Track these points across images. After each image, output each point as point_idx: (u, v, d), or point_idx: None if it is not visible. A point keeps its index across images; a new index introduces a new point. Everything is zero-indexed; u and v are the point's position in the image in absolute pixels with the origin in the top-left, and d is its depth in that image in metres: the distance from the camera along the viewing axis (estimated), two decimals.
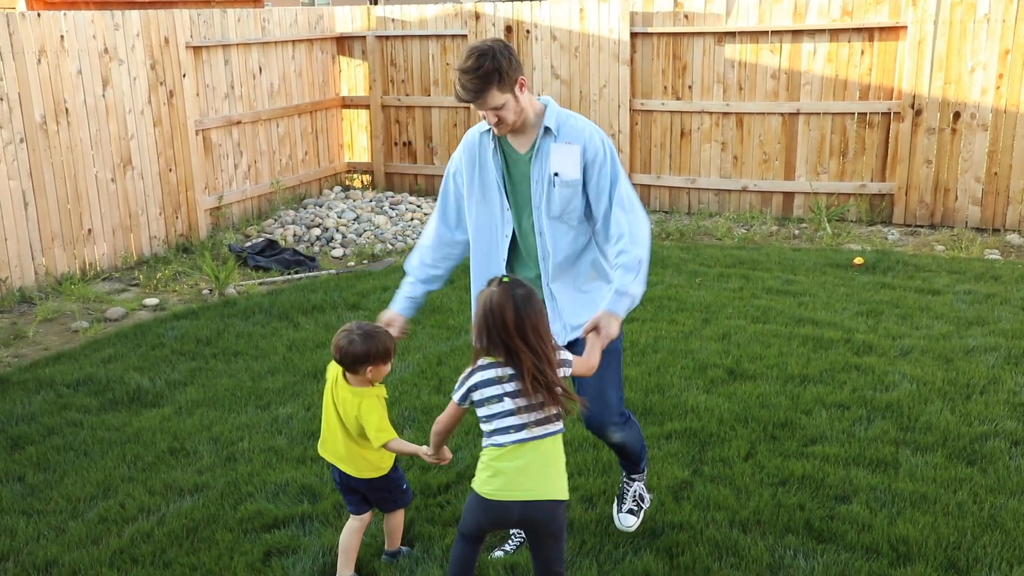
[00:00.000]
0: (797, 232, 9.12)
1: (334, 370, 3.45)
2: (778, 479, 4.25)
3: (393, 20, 10.93)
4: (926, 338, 5.99)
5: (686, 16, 9.64)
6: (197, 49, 9.04)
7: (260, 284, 7.81)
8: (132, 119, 8.39)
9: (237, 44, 9.55)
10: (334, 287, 7.47)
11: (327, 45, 11.08)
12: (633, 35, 9.83)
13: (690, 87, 9.81)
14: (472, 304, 3.41)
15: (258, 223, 9.68)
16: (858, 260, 7.76)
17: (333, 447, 3.48)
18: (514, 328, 2.83)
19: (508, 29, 10.34)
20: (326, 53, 11.07)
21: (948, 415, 4.85)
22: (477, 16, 10.49)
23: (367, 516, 3.58)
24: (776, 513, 3.96)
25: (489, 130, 3.46)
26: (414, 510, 4.01)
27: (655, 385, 5.31)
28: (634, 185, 9.45)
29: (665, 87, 9.91)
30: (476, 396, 2.93)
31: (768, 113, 9.53)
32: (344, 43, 11.24)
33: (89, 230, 8.07)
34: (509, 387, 2.88)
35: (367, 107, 11.26)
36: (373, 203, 10.17)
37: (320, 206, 10.07)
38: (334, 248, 8.99)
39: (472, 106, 3.28)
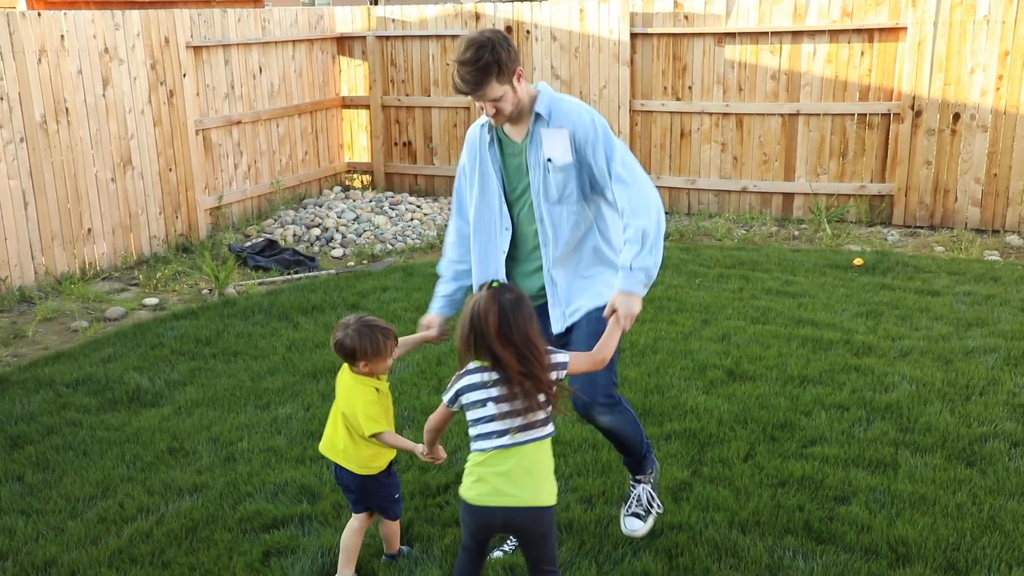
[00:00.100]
0: (797, 233, 9.12)
1: None
2: (777, 480, 4.25)
3: (393, 20, 10.93)
4: (926, 339, 5.99)
5: (686, 17, 9.64)
6: (197, 49, 9.04)
7: (260, 284, 7.81)
8: (132, 119, 8.39)
9: (237, 44, 9.55)
10: (334, 287, 7.47)
11: (327, 45, 11.09)
12: (633, 36, 9.83)
13: (690, 88, 9.81)
14: None
15: (258, 223, 9.68)
16: (858, 261, 7.76)
17: (332, 440, 3.48)
18: (496, 333, 2.81)
19: (508, 29, 10.34)
20: (326, 53, 11.07)
21: (947, 416, 4.85)
22: (477, 16, 10.49)
23: (367, 515, 3.58)
24: (775, 514, 3.96)
25: (487, 122, 3.47)
26: (413, 510, 4.01)
27: (654, 386, 5.31)
28: None
29: (665, 88, 9.91)
30: (464, 400, 2.94)
31: (768, 114, 9.53)
32: (344, 43, 11.25)
33: (89, 230, 8.07)
34: (494, 392, 2.87)
35: (367, 107, 11.26)
36: (373, 203, 10.17)
37: (320, 206, 10.07)
38: (334, 248, 8.99)
39: (470, 96, 3.27)
